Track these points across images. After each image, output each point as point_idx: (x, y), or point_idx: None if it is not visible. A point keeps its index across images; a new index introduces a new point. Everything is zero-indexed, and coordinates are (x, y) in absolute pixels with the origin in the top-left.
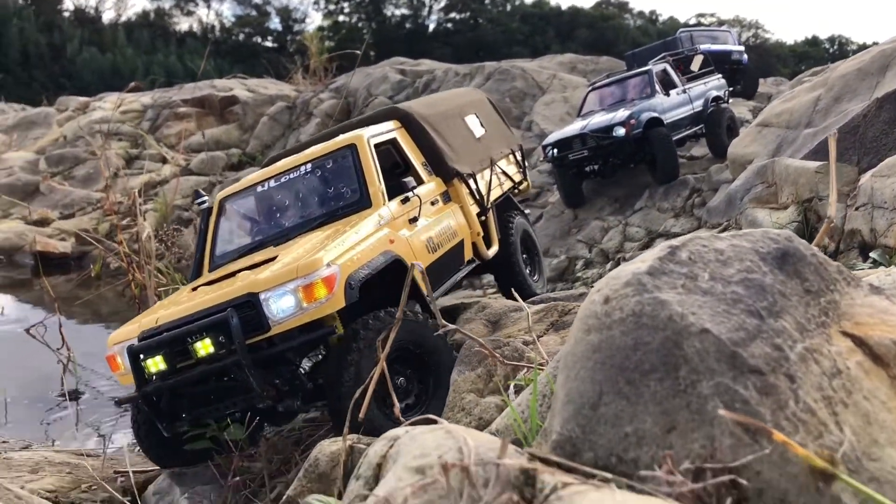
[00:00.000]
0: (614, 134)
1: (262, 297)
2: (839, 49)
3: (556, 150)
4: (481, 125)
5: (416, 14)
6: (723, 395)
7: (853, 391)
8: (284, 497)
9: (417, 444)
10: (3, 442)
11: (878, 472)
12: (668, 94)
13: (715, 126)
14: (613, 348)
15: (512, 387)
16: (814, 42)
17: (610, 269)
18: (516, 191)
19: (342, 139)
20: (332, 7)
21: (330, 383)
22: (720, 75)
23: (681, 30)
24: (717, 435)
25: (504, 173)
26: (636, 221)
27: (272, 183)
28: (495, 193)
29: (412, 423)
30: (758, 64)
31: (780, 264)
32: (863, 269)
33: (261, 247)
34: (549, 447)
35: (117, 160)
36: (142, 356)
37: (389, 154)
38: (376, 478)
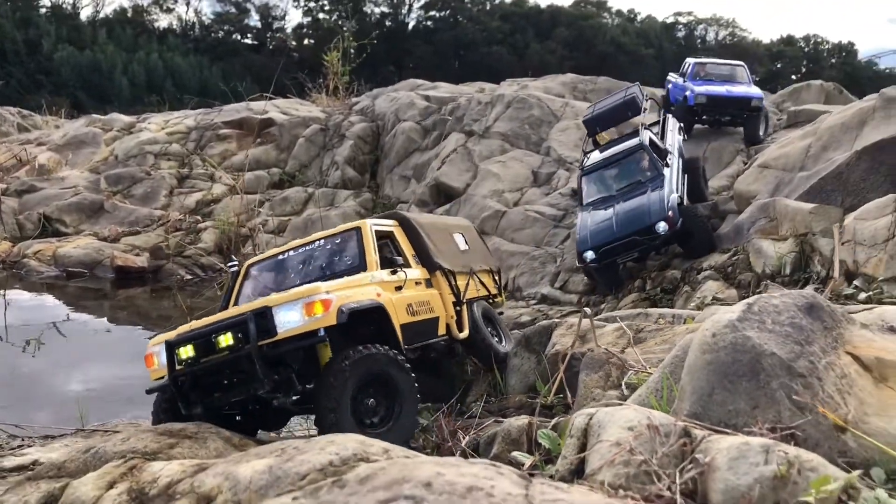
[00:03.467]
0: (660, 232)
1: (274, 309)
2: (814, 49)
3: (598, 259)
4: (466, 243)
5: (396, 12)
6: (784, 389)
7: (853, 386)
8: (491, 454)
9: (621, 415)
10: None
11: (867, 429)
12: (668, 164)
13: (694, 185)
14: (720, 363)
15: (624, 384)
16: (789, 41)
17: (637, 286)
18: (491, 301)
19: (351, 224)
20: (311, 5)
21: (316, 395)
22: (669, 113)
23: (690, 60)
24: (782, 410)
25: (482, 282)
26: None
27: (290, 253)
28: (471, 293)
29: (606, 406)
30: None
31: (809, 312)
32: (856, 307)
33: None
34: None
35: (170, 179)
36: (176, 347)
37: (386, 245)
38: (585, 435)
